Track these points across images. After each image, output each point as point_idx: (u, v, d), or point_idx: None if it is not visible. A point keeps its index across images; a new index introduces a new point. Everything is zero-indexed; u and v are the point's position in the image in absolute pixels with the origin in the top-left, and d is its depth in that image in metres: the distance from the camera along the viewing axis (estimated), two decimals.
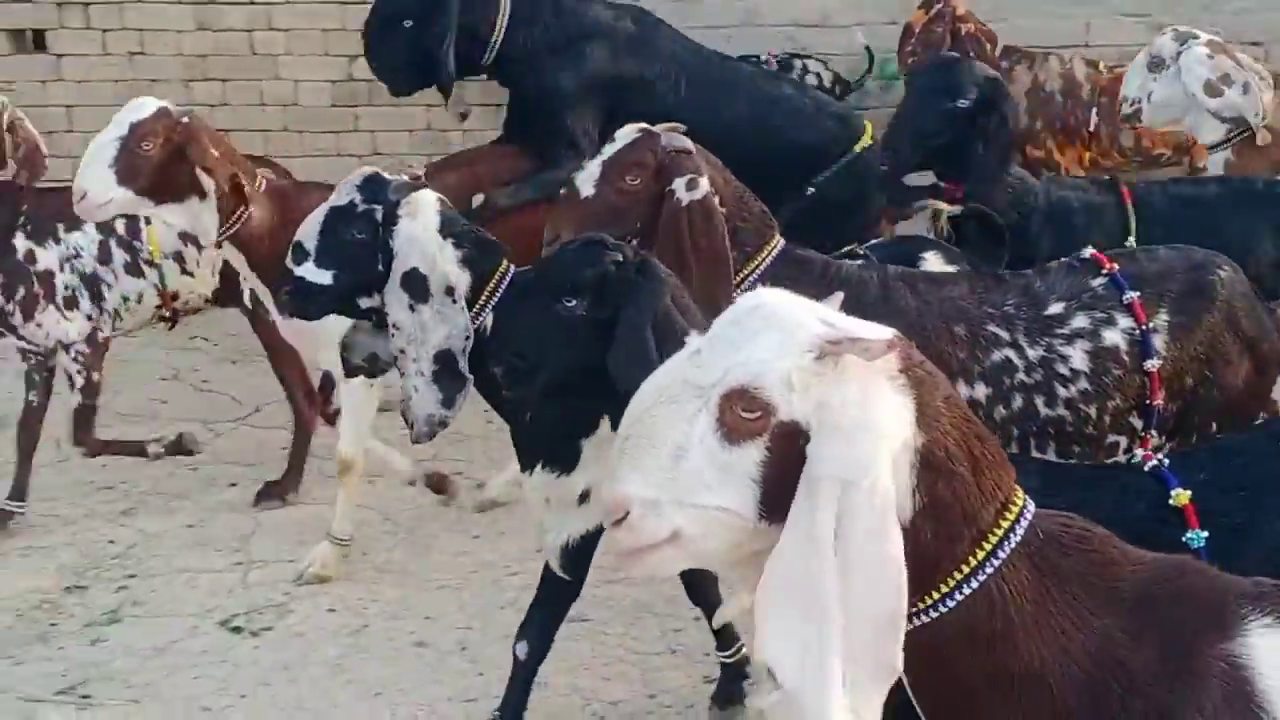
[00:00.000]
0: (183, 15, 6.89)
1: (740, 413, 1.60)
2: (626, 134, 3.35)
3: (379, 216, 3.27)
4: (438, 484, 4.77)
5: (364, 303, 3.31)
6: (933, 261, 3.71)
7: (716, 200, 3.24)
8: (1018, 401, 3.26)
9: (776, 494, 1.59)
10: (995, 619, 1.63)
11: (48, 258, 4.72)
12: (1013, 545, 1.65)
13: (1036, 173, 6.22)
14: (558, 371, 2.75)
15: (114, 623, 4.20)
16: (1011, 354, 3.27)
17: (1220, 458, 2.52)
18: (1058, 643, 1.63)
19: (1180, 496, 2.35)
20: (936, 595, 1.64)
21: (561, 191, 3.38)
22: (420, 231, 3.24)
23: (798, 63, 6.54)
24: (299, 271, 3.32)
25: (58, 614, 4.25)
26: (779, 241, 3.43)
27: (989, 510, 1.65)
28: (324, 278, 3.31)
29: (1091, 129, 6.03)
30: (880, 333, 1.65)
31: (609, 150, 3.32)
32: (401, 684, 3.78)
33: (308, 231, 3.34)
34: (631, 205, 3.25)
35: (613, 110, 4.92)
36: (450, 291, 3.16)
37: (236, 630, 4.14)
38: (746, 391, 1.60)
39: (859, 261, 3.51)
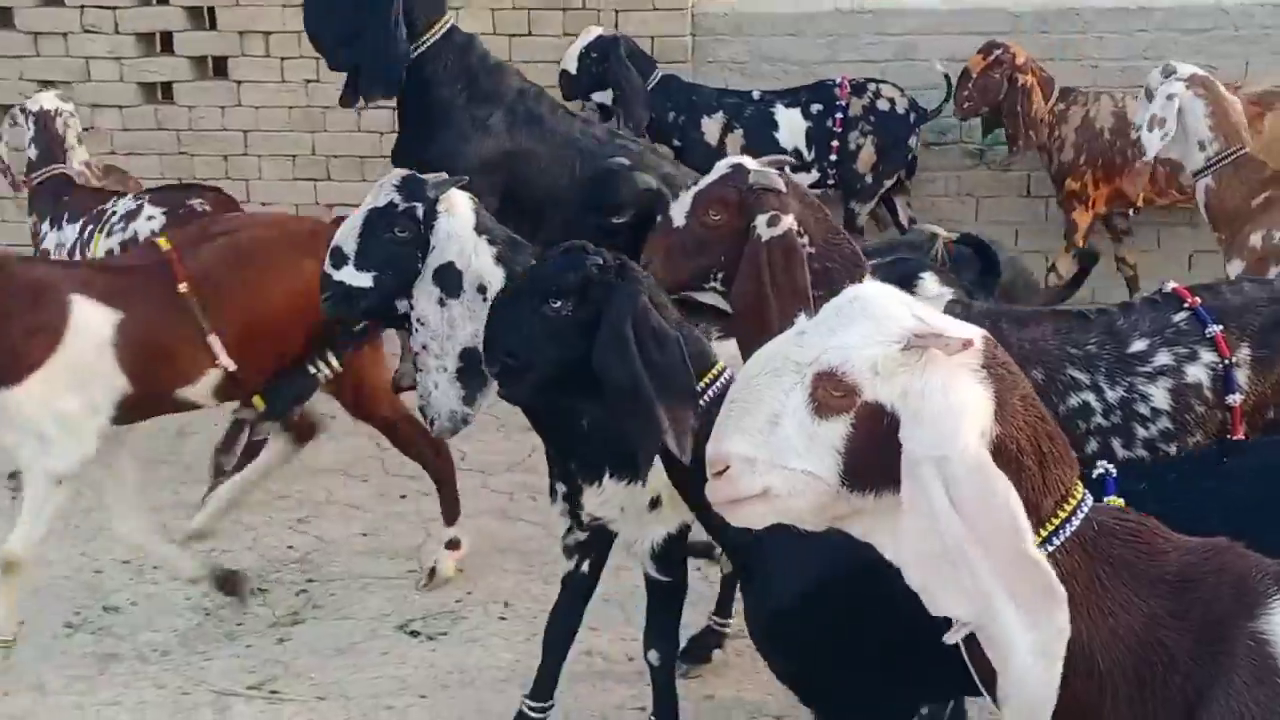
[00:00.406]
0: None
1: (830, 391, 1.77)
2: (720, 167, 3.33)
3: (420, 214, 3.36)
4: (226, 582, 4.44)
5: (401, 306, 3.37)
6: (929, 284, 3.63)
7: (805, 240, 3.22)
8: (1093, 445, 3.22)
9: (858, 465, 1.77)
10: None
11: (46, 244, 5.31)
12: (1067, 534, 1.79)
13: (1070, 205, 6.44)
14: (547, 369, 2.87)
15: (296, 624, 4.41)
16: (1090, 397, 3.25)
17: (1163, 471, 2.76)
18: (1105, 623, 1.77)
19: (1113, 501, 2.45)
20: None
21: (658, 219, 3.38)
22: (458, 228, 3.35)
23: (871, 87, 6.61)
24: (338, 276, 3.38)
25: (243, 614, 4.46)
26: (868, 281, 3.43)
27: (1049, 501, 1.79)
28: (364, 280, 3.37)
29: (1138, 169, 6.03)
30: (967, 330, 1.81)
31: (701, 183, 3.32)
32: (574, 691, 3.90)
33: (346, 235, 3.39)
34: (715, 239, 3.22)
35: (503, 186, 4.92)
36: (483, 289, 3.27)
37: (414, 634, 4.31)
38: (835, 373, 1.77)
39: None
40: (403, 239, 3.35)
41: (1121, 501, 2.44)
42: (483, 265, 3.32)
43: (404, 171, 3.51)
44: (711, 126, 6.62)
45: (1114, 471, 2.59)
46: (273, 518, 5.14)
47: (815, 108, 6.58)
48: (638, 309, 2.74)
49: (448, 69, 5.23)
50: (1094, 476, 2.59)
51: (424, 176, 3.46)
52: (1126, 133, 6.15)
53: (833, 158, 6.58)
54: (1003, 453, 1.75)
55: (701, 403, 2.69)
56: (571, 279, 2.83)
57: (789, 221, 3.18)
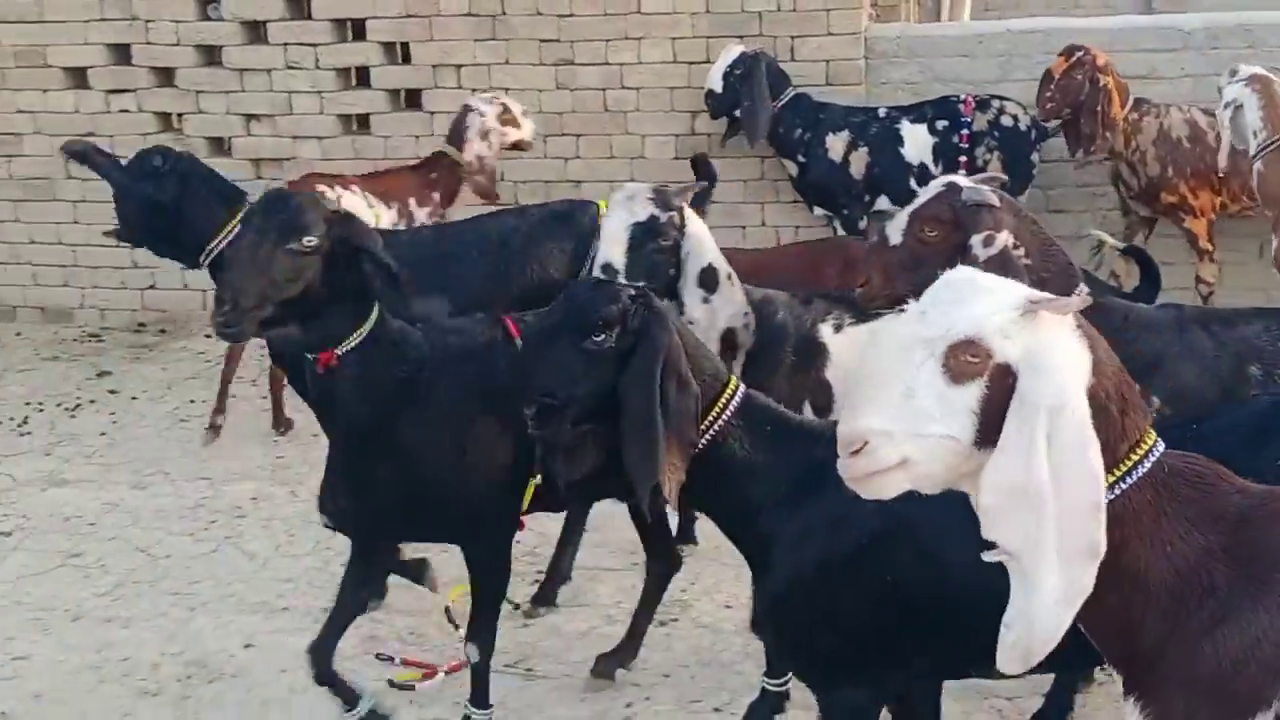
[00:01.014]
0: (544, 75, 7.53)
1: (966, 358, 1.96)
2: (934, 186, 3.47)
3: (678, 222, 3.60)
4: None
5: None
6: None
7: (1021, 252, 3.32)
8: None
9: (990, 422, 1.96)
10: (1120, 528, 2.00)
11: None
12: (1139, 474, 2.03)
13: (1178, 218, 6.49)
14: (587, 404, 2.90)
15: (533, 615, 4.70)
16: None
17: None
18: (1163, 551, 2.02)
19: None
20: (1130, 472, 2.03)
21: (873, 236, 3.56)
22: (703, 229, 3.63)
23: (995, 103, 6.76)
24: None
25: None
26: (1082, 289, 3.49)
27: (1125, 444, 2.03)
28: None
29: (1221, 174, 6.16)
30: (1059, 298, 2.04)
31: (916, 201, 3.46)
32: None
33: (614, 250, 3.59)
34: (931, 256, 3.29)
35: None
36: (730, 277, 3.56)
37: None
38: (972, 340, 1.97)
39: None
40: (666, 248, 3.64)
41: None
42: (721, 258, 3.61)
43: (641, 185, 3.80)
44: (836, 144, 6.82)
45: None
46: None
47: (941, 124, 6.73)
48: (671, 349, 2.85)
49: None
50: None
51: (666, 188, 3.75)
52: (1203, 140, 6.33)
53: (961, 172, 6.75)
54: (1095, 400, 1.98)
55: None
56: (614, 311, 2.89)
57: (1004, 238, 3.32)
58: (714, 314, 3.59)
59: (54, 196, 8.03)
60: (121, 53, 7.86)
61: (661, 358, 2.83)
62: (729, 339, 3.59)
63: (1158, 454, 2.06)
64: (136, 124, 7.84)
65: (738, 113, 6.95)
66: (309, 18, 7.68)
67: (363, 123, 7.81)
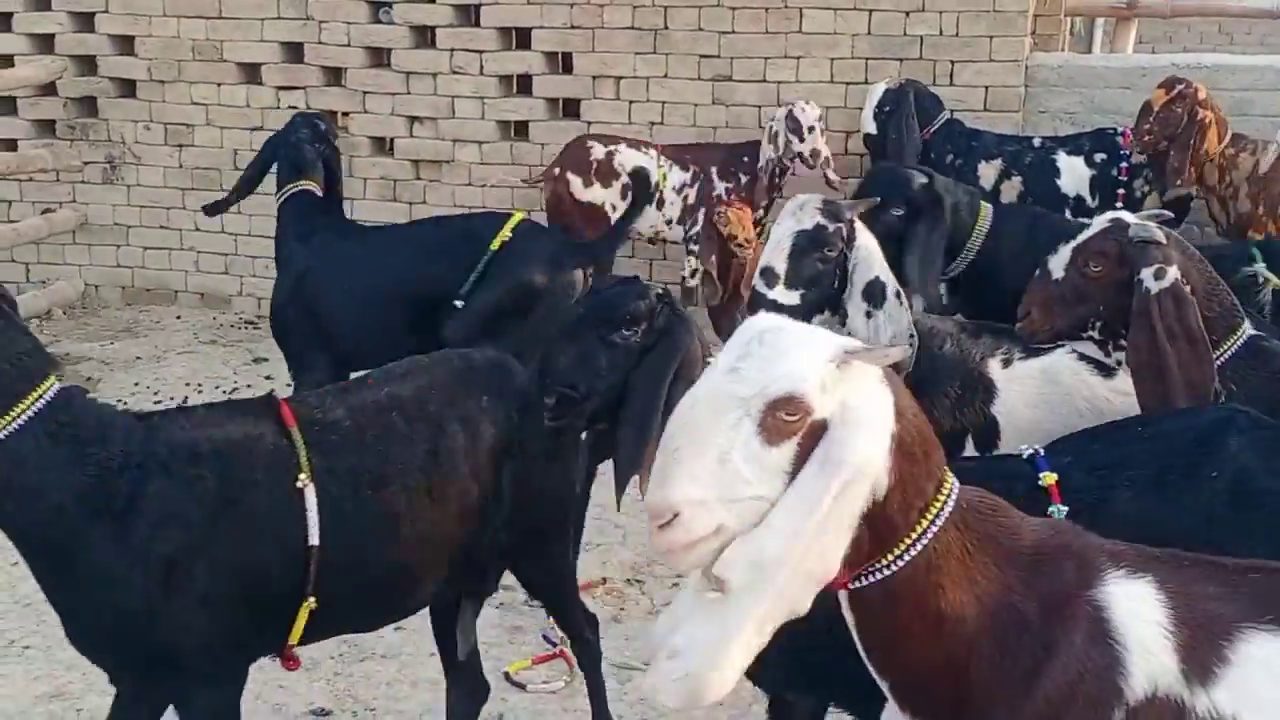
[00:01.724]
0: (702, 90, 7.62)
1: (784, 416, 1.89)
2: (1100, 221, 3.46)
3: (845, 234, 3.62)
4: None
5: (816, 320, 3.59)
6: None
7: (1188, 289, 3.30)
8: None
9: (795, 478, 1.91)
10: (932, 572, 1.98)
11: None
12: (946, 514, 1.99)
13: None
14: (607, 396, 2.95)
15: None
16: None
17: (1084, 443, 2.98)
18: (973, 591, 1.99)
19: (1047, 478, 2.80)
20: (894, 554, 1.97)
21: (1037, 271, 3.49)
22: (875, 244, 3.63)
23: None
24: (771, 295, 3.61)
25: (624, 601, 4.86)
26: (1246, 330, 3.47)
27: (932, 485, 1.99)
28: (793, 299, 3.62)
29: None
30: (848, 341, 2.00)
31: (1081, 236, 3.44)
32: None
33: (774, 256, 3.63)
34: (1096, 290, 3.36)
35: None
36: (898, 294, 3.56)
37: None
38: (791, 397, 1.89)
39: None
40: (830, 258, 3.67)
41: (1055, 477, 2.80)
42: (890, 275, 3.65)
43: (812, 196, 3.82)
44: (988, 171, 6.77)
45: (1041, 451, 2.90)
46: (641, 516, 5.53)
47: (1099, 157, 6.66)
48: (690, 351, 2.91)
49: None
50: (1025, 456, 2.90)
51: (816, 198, 3.76)
52: None
53: (1118, 205, 6.67)
54: (903, 445, 1.95)
55: None
56: (641, 308, 2.96)
57: (1174, 272, 3.30)
58: (877, 330, 3.60)
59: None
60: (294, 51, 8.13)
61: (679, 358, 2.88)
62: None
63: (956, 491, 2.03)
64: None
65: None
66: (477, 25, 7.87)
67: (521, 129, 7.98)
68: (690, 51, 7.61)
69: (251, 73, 8.22)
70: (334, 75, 8.12)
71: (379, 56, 8.09)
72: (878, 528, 1.95)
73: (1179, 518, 2.61)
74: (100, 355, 7.67)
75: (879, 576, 1.97)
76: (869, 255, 3.67)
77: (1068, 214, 6.48)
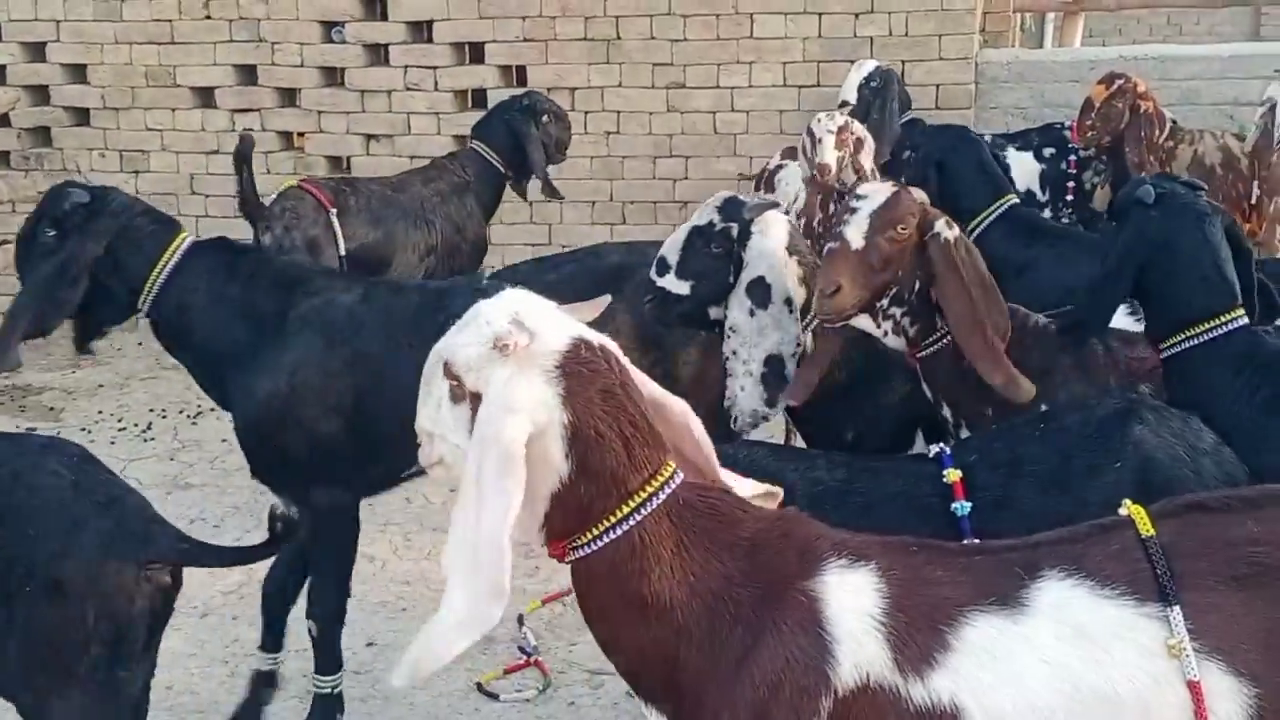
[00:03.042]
0: (656, 98, 7.67)
1: (453, 381, 2.11)
2: (881, 190, 3.51)
3: (734, 233, 3.74)
4: None
5: (713, 313, 3.78)
6: None
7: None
8: None
9: None
10: (636, 559, 2.06)
11: None
12: (654, 506, 2.08)
13: None
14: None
15: None
16: None
17: (989, 441, 3.08)
18: (687, 581, 2.06)
19: (950, 475, 2.91)
20: (589, 536, 2.08)
21: (830, 245, 3.50)
22: (771, 247, 3.71)
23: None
24: (661, 282, 3.79)
25: None
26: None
27: (637, 477, 2.08)
28: (683, 288, 3.77)
29: (1253, 201, 6.07)
30: (556, 337, 2.09)
31: (868, 206, 3.44)
32: None
33: (670, 246, 3.80)
34: (901, 252, 3.41)
35: None
36: (789, 302, 3.64)
37: None
38: (450, 366, 2.12)
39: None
40: (717, 254, 3.77)
41: (959, 474, 2.89)
42: (791, 281, 3.70)
43: (727, 194, 3.94)
44: None
45: (947, 449, 3.00)
46: None
47: (1048, 151, 6.69)
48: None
49: None
50: (931, 455, 3.00)
51: (743, 199, 3.87)
52: (1236, 166, 6.24)
53: (1068, 198, 6.73)
54: (580, 435, 2.05)
55: None
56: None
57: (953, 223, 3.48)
58: (760, 330, 3.68)
59: (178, 212, 8.21)
60: (248, 73, 8.14)
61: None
62: (772, 364, 3.69)
63: (673, 486, 2.11)
64: (260, 142, 8.03)
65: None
66: (430, 41, 7.90)
67: None
68: (644, 60, 7.66)
69: (206, 96, 8.22)
70: (288, 96, 8.12)
71: (333, 76, 8.10)
72: (568, 507, 2.08)
73: (1083, 511, 2.60)
74: (62, 384, 7.64)
75: (580, 554, 2.10)
76: (760, 256, 3.73)
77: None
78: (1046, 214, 6.63)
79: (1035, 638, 2.02)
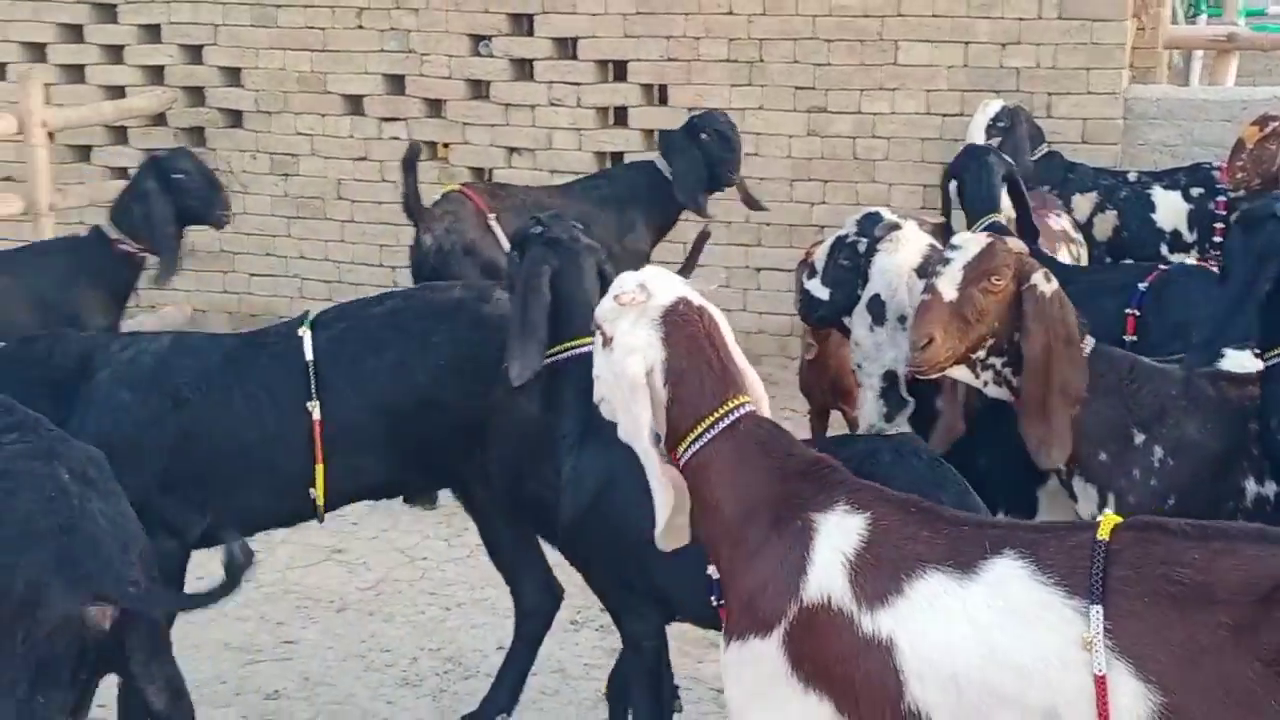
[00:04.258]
0: (797, 121, 7.70)
1: (600, 332, 2.75)
2: (976, 240, 3.49)
3: (861, 248, 3.86)
4: None
5: (847, 321, 3.90)
6: None
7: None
8: None
9: None
10: (705, 470, 2.62)
11: None
12: (717, 431, 2.62)
13: None
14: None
15: None
16: None
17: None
18: (735, 490, 2.59)
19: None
20: (681, 450, 2.65)
21: (923, 296, 3.49)
22: (893, 265, 3.74)
23: None
24: (807, 285, 4.00)
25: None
26: (1090, 340, 3.55)
27: (708, 407, 2.63)
28: (823, 293, 3.97)
29: None
30: (666, 296, 2.70)
31: (963, 257, 3.43)
32: None
33: (821, 252, 3.99)
34: (996, 304, 3.38)
35: None
36: (903, 320, 3.64)
37: None
38: (598, 320, 2.77)
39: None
40: (845, 266, 3.90)
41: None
42: (906, 300, 3.70)
43: (871, 209, 4.06)
44: (1083, 204, 6.67)
45: None
46: None
47: (1196, 191, 6.57)
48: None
49: None
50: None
51: (881, 213, 3.97)
52: None
53: (1216, 239, 6.61)
54: (671, 369, 2.66)
55: None
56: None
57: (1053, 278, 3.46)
58: (878, 346, 3.76)
59: (325, 215, 8.51)
60: (396, 83, 8.32)
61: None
62: (890, 380, 3.76)
63: (739, 414, 2.63)
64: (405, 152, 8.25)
65: None
66: (574, 58, 8.01)
67: (617, 160, 8.08)
68: (786, 83, 7.69)
69: (355, 104, 8.42)
70: (435, 107, 8.30)
71: (479, 89, 8.25)
72: (671, 426, 2.66)
73: None
74: None
75: (679, 459, 2.67)
76: (880, 273, 3.79)
77: (1164, 249, 6.45)
78: (1193, 255, 6.57)
79: (971, 601, 2.36)
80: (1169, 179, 6.71)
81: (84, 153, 8.95)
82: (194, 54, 8.65)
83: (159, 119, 8.74)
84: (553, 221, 3.59)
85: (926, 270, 3.69)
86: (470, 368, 3.93)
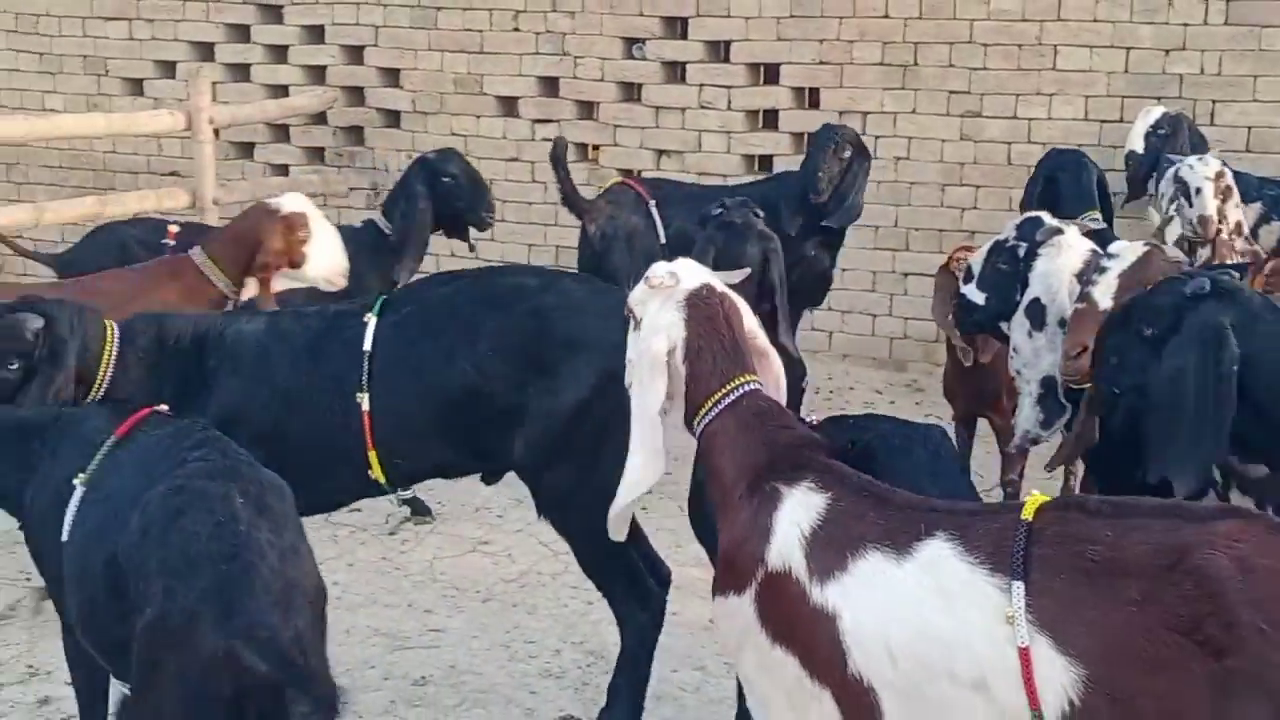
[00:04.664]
0: (950, 126, 7.62)
1: (630, 315, 3.00)
2: (1133, 249, 3.49)
3: (1021, 253, 3.78)
4: None
5: (1004, 327, 3.85)
6: None
7: None
8: None
9: None
10: (711, 441, 2.87)
11: None
12: (724, 405, 2.85)
13: None
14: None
15: None
16: None
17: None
18: (733, 460, 2.83)
19: None
20: (697, 420, 2.88)
21: (1077, 305, 3.49)
22: (1055, 269, 3.66)
23: None
24: (964, 290, 3.95)
25: None
26: None
27: (718, 384, 2.87)
28: (979, 298, 3.93)
29: None
30: (692, 282, 2.93)
31: (1119, 265, 3.42)
32: None
33: (978, 256, 3.93)
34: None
35: None
36: (1063, 325, 3.55)
37: None
38: (628, 303, 3.00)
39: None
40: (1003, 270, 3.85)
41: None
42: (1067, 304, 3.63)
43: (1035, 213, 4.00)
44: (1247, 214, 6.50)
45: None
46: None
47: None
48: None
49: None
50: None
51: (1042, 218, 3.91)
52: None
53: None
54: (689, 349, 2.88)
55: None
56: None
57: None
58: (1036, 352, 3.69)
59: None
60: (550, 85, 8.44)
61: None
62: (1049, 386, 3.67)
63: (742, 392, 2.86)
64: None
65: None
66: (726, 61, 8.04)
67: (765, 163, 8.09)
68: (940, 88, 7.62)
69: (509, 106, 8.56)
70: (587, 109, 8.39)
71: (630, 91, 8.33)
72: (690, 397, 2.91)
73: None
74: None
75: (694, 431, 2.91)
76: (1039, 277, 3.75)
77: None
78: None
79: (905, 580, 2.53)
80: None
81: (247, 150, 9.25)
82: (355, 54, 8.88)
83: (320, 118, 8.98)
84: (734, 206, 3.73)
85: (1086, 277, 3.65)
86: (517, 356, 3.86)
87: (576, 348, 3.82)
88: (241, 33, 9.11)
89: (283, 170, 9.10)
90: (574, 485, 3.84)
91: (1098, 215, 5.06)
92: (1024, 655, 2.36)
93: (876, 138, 7.76)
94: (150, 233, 5.99)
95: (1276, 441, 3.10)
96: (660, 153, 8.26)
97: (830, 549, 2.64)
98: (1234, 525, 2.34)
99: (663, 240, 6.13)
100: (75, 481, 3.18)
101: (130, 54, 9.40)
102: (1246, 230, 5.90)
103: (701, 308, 2.90)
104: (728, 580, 2.78)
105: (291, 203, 5.17)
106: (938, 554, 2.51)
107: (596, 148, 8.41)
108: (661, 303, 2.92)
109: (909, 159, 7.72)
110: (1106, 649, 2.33)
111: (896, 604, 2.53)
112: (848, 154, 6.40)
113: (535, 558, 5.48)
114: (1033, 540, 2.42)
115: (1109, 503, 2.51)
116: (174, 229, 5.92)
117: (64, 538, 3.14)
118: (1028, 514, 2.46)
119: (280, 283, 5.08)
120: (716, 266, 3.55)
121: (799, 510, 2.70)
